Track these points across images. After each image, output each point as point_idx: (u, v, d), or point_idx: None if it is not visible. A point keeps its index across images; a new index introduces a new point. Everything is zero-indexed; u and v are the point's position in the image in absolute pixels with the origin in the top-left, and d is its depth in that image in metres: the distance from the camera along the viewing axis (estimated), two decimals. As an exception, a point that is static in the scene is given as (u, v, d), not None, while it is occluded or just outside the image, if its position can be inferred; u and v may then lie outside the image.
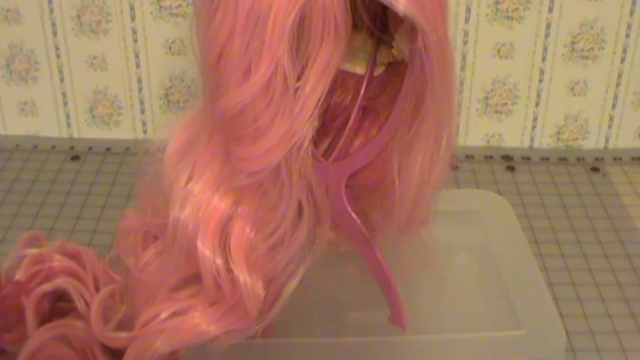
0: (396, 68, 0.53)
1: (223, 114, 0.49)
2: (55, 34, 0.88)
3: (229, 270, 0.52)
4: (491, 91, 0.90)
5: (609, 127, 0.92)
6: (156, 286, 0.55)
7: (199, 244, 0.52)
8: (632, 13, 0.86)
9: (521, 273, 0.68)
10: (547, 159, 0.90)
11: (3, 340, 0.61)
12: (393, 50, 0.53)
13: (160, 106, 0.92)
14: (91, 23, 0.87)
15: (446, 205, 0.65)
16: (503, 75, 0.89)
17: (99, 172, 0.87)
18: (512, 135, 0.92)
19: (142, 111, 0.92)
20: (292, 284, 0.54)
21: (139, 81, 0.90)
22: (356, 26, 0.50)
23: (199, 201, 0.52)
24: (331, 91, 0.51)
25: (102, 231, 0.77)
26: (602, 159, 0.90)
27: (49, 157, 0.89)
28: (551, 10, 0.86)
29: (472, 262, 0.72)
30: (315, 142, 0.52)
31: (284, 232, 0.52)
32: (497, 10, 0.86)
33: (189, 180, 0.53)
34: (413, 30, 0.48)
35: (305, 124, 0.48)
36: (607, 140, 0.92)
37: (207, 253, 0.52)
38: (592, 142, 0.92)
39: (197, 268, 0.53)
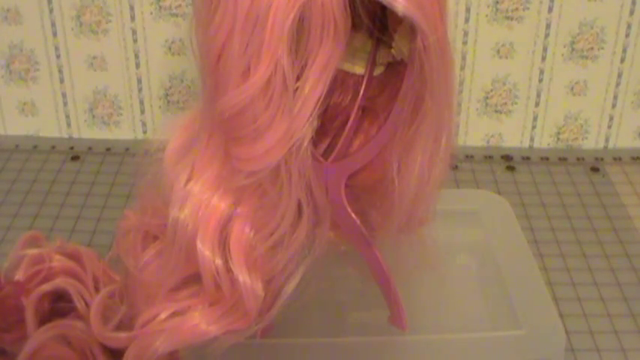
0: (396, 68, 0.53)
1: (222, 114, 0.49)
2: (54, 34, 0.88)
3: (229, 270, 0.52)
4: (491, 91, 0.90)
5: (609, 127, 0.92)
6: (155, 286, 0.55)
7: (199, 244, 0.52)
8: (632, 13, 0.86)
9: (521, 273, 0.68)
10: (547, 159, 0.90)
11: (3, 340, 0.61)
12: (392, 50, 0.52)
13: (160, 106, 0.92)
14: (91, 23, 0.87)
15: (446, 205, 0.65)
16: (503, 75, 0.89)
17: (99, 172, 0.87)
18: (512, 135, 0.92)
19: (142, 111, 0.92)
20: (292, 284, 0.54)
21: (139, 81, 0.90)
22: (355, 26, 0.50)
23: (199, 201, 0.52)
24: (330, 91, 0.51)
25: (102, 231, 0.77)
26: (602, 159, 0.90)
27: (49, 157, 0.89)
28: (550, 10, 0.86)
29: (472, 262, 0.72)
30: (315, 142, 0.52)
31: (283, 232, 0.52)
32: (496, 10, 0.86)
33: (188, 180, 0.52)
34: (412, 30, 0.48)
35: (304, 124, 0.48)
36: (607, 140, 0.92)
37: (207, 253, 0.52)
38: (592, 142, 0.92)
39: (197, 268, 0.53)
